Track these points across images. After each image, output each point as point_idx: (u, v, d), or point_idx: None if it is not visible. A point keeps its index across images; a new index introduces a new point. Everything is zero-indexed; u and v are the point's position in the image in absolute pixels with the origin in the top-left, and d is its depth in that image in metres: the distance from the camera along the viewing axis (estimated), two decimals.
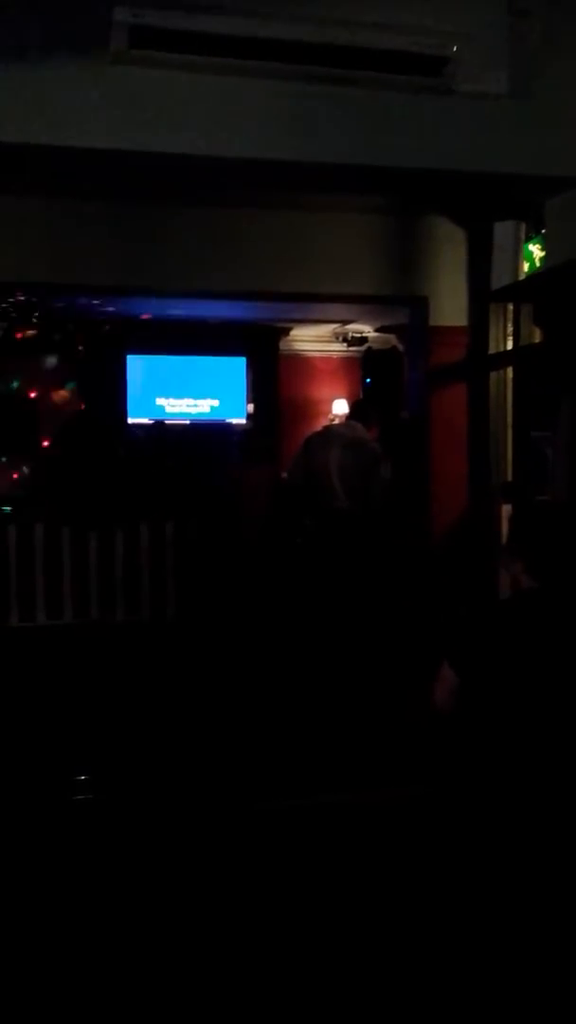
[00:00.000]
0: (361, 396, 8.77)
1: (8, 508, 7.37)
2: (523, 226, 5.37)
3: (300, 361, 9.24)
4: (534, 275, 5.29)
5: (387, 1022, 2.59)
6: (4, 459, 8.62)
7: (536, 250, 5.34)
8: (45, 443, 8.55)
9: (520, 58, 4.01)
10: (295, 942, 2.91)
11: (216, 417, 9.04)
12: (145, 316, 8.09)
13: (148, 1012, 2.63)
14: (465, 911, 2.90)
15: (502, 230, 5.47)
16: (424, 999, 2.64)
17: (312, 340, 9.19)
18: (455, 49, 3.77)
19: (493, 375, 5.81)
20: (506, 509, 5.67)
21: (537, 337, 5.42)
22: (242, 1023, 2.59)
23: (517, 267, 5.44)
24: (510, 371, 5.75)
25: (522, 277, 5.46)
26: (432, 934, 2.90)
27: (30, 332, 8.31)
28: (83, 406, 8.83)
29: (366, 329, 8.80)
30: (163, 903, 3.13)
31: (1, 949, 2.88)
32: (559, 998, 2.56)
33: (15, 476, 8.72)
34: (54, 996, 2.67)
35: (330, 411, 8.89)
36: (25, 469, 8.50)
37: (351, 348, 9.13)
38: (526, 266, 5.47)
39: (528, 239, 5.41)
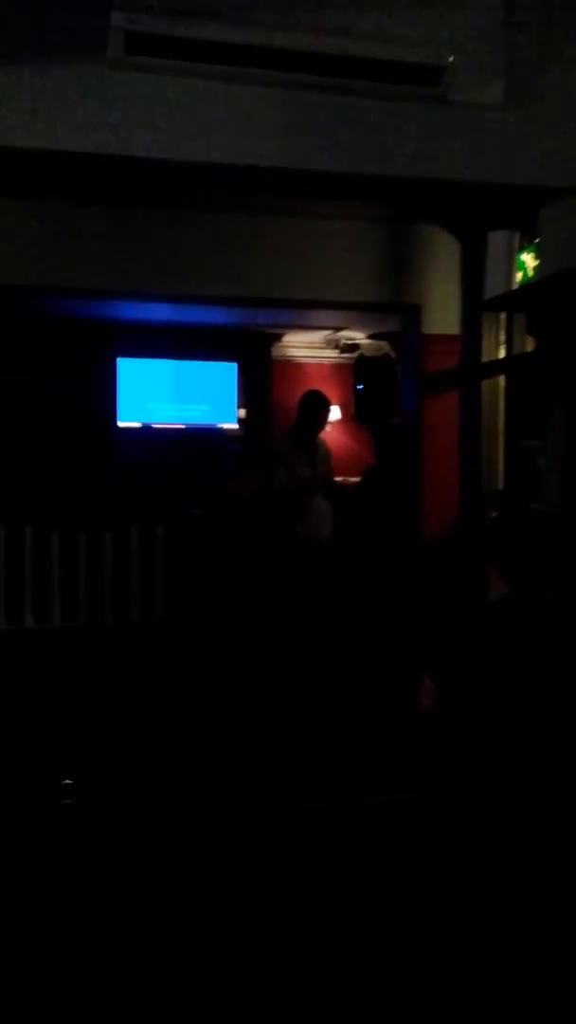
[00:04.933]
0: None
1: None
2: (517, 235, 5.39)
3: (292, 367, 9.25)
4: (527, 284, 5.31)
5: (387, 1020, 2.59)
6: None
7: (529, 259, 5.36)
8: (35, 446, 8.50)
9: (516, 68, 4.03)
10: (292, 946, 2.90)
11: (207, 422, 9.03)
12: (136, 320, 8.08)
13: (145, 1013, 2.62)
14: (456, 913, 2.90)
15: (495, 239, 5.48)
16: (421, 999, 2.64)
17: (304, 346, 9.19)
18: (451, 59, 3.78)
19: (486, 383, 5.82)
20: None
21: (530, 346, 5.43)
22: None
23: (510, 276, 5.45)
24: (502, 380, 5.77)
25: (515, 286, 5.48)
26: (428, 936, 2.90)
27: (21, 335, 8.28)
28: (73, 409, 8.79)
29: (358, 336, 8.81)
30: (160, 907, 3.12)
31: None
32: (553, 999, 2.56)
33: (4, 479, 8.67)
34: (51, 1000, 2.66)
35: None
36: (15, 472, 8.45)
37: (343, 354, 9.13)
38: (519, 275, 5.48)
39: (521, 248, 5.43)
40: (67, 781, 4.05)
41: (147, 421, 8.91)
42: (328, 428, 8.11)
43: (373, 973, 2.79)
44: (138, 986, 2.75)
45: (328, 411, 6.60)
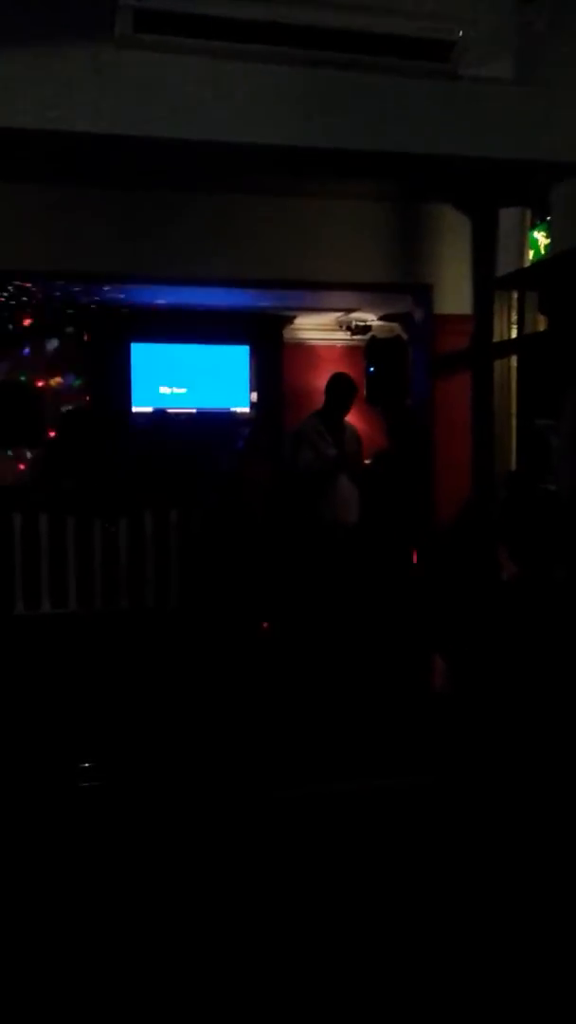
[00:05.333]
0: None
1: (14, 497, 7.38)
2: (528, 213, 5.35)
3: (304, 350, 9.23)
4: (539, 262, 5.27)
5: (391, 1004, 2.60)
6: (9, 452, 8.62)
7: (541, 237, 5.32)
8: (50, 432, 8.53)
9: (526, 43, 3.99)
10: (298, 929, 2.91)
11: (219, 406, 9.03)
12: (149, 304, 8.07)
13: (154, 994, 2.64)
14: (471, 892, 2.91)
15: (507, 217, 5.44)
16: (428, 981, 2.65)
17: (316, 328, 9.17)
18: (461, 34, 3.75)
19: (498, 364, 5.79)
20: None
21: (542, 325, 5.40)
22: (246, 1006, 2.60)
23: (522, 254, 5.41)
24: (515, 359, 5.74)
25: (527, 265, 5.44)
26: (437, 918, 2.91)
27: (33, 321, 8.29)
28: (88, 395, 8.82)
29: (370, 317, 8.78)
30: (168, 889, 3.14)
31: (10, 935, 2.89)
32: (564, 981, 2.57)
33: (20, 466, 8.71)
34: (61, 982, 2.68)
35: None
36: (30, 458, 8.49)
37: (355, 336, 9.11)
38: (531, 254, 5.45)
39: (533, 226, 5.39)
40: (84, 764, 4.08)
41: (160, 406, 8.91)
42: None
43: (386, 953, 2.80)
44: (152, 964, 2.77)
45: (355, 393, 6.63)
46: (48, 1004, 2.59)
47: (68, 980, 2.69)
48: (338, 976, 2.68)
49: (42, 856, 3.35)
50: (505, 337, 5.77)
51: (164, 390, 8.95)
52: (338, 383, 6.60)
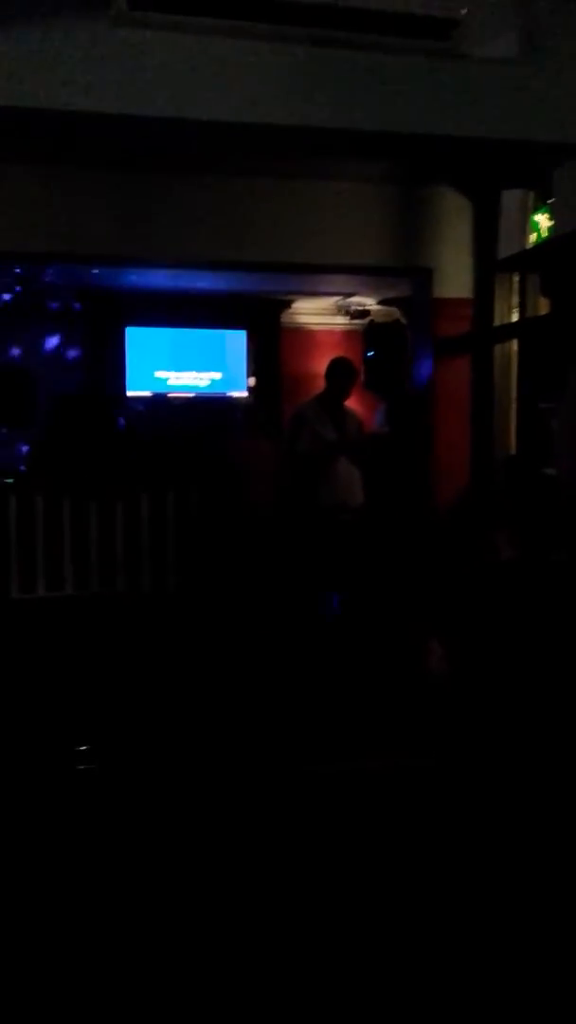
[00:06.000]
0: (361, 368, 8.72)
1: (10, 480, 7.34)
2: (530, 195, 5.29)
3: (302, 334, 9.17)
4: (541, 244, 5.23)
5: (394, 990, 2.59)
6: (4, 430, 8.56)
7: (543, 220, 5.27)
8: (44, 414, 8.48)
9: (530, 22, 3.94)
10: (295, 917, 2.90)
11: (217, 391, 8.97)
12: (145, 288, 8.01)
13: (160, 979, 2.62)
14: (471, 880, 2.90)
15: (508, 199, 5.39)
16: (426, 966, 2.64)
17: (314, 313, 9.11)
18: (464, 12, 3.71)
19: (498, 347, 5.75)
20: None
21: (544, 308, 5.36)
22: (250, 991, 2.58)
23: (524, 237, 5.36)
24: (515, 343, 5.70)
25: (529, 247, 5.39)
26: (434, 903, 2.89)
27: (29, 304, 8.23)
28: (82, 379, 8.76)
29: (368, 302, 8.72)
30: (165, 873, 3.13)
31: (8, 923, 2.87)
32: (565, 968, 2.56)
33: (15, 447, 8.66)
34: (61, 972, 2.67)
35: None
36: (25, 441, 8.45)
37: (354, 321, 9.05)
38: (533, 236, 5.40)
39: (535, 208, 5.34)
40: (81, 747, 4.07)
41: (156, 390, 8.86)
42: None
43: (382, 937, 2.79)
44: (157, 948, 2.76)
45: (356, 378, 6.60)
46: (53, 991, 2.57)
47: (71, 968, 2.67)
48: (339, 960, 2.67)
49: (39, 838, 3.34)
50: (506, 320, 5.73)
51: (160, 374, 8.89)
52: (338, 367, 6.57)
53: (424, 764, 3.53)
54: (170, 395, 8.87)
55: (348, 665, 4.93)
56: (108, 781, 3.82)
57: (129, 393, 8.77)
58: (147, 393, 8.84)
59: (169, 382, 8.89)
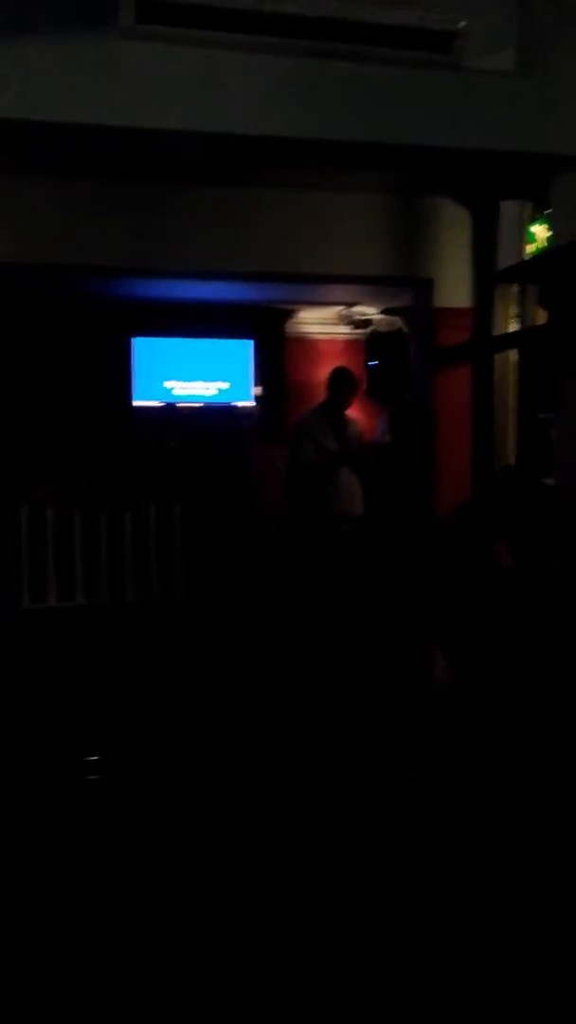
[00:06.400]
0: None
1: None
2: (528, 206, 5.35)
3: (305, 343, 9.22)
4: (539, 255, 5.28)
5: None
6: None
7: (541, 231, 5.33)
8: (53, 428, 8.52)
9: (529, 35, 4.00)
10: (292, 924, 2.93)
11: (223, 400, 9.02)
12: (151, 298, 8.07)
13: (166, 982, 2.66)
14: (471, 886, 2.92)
15: (507, 210, 5.45)
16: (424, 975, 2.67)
17: (317, 322, 9.16)
18: (463, 25, 3.77)
19: (498, 357, 5.80)
20: None
21: (542, 319, 5.41)
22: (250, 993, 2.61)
23: (522, 248, 5.42)
24: (515, 353, 5.74)
25: (527, 258, 5.45)
26: (430, 914, 2.92)
27: (36, 314, 8.29)
28: (89, 389, 8.81)
29: (371, 311, 8.78)
30: (171, 880, 3.16)
31: (22, 931, 2.91)
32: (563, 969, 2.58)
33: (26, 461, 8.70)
34: (69, 973, 2.70)
35: None
36: (35, 454, 8.49)
37: (356, 330, 9.10)
38: (530, 247, 5.45)
39: (532, 219, 5.39)
40: (92, 757, 4.09)
41: (162, 400, 8.91)
42: None
43: (379, 946, 2.82)
44: (161, 953, 2.79)
45: (356, 387, 6.65)
46: (60, 993, 2.60)
47: (78, 969, 2.70)
48: (340, 965, 2.70)
49: (49, 847, 3.37)
50: (505, 330, 5.78)
51: (166, 385, 8.94)
52: (339, 377, 6.62)
53: (422, 775, 3.55)
54: (175, 405, 8.92)
55: (351, 674, 4.95)
56: (117, 790, 3.84)
57: (135, 403, 8.83)
58: (153, 403, 8.89)
59: (175, 392, 8.94)
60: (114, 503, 7.33)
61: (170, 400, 8.92)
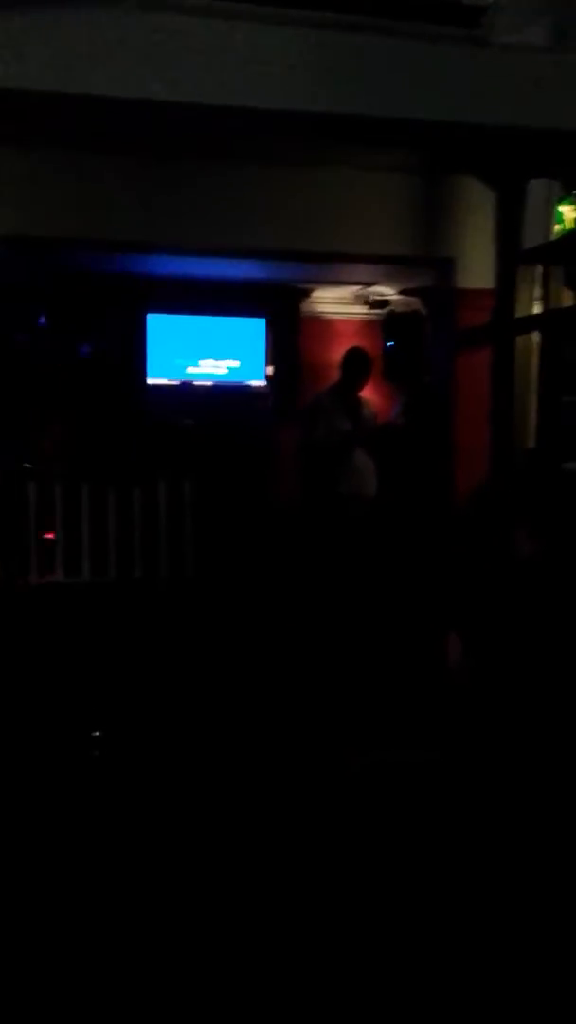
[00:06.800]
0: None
1: (29, 466, 7.38)
2: (555, 185, 5.24)
3: (321, 323, 9.14)
4: (566, 236, 5.18)
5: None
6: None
7: (568, 211, 5.23)
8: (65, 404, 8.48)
9: (560, 9, 3.90)
10: (300, 910, 2.90)
11: (235, 379, 8.96)
12: (166, 275, 8.00)
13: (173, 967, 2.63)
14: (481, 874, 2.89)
15: (533, 190, 5.33)
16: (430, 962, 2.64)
17: (333, 302, 9.07)
18: None
19: (520, 339, 5.70)
20: None
21: (567, 301, 5.32)
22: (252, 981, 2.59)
23: (548, 228, 5.31)
24: (537, 335, 5.65)
25: (553, 239, 5.35)
26: (438, 903, 2.89)
27: (51, 291, 8.23)
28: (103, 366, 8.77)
29: (389, 291, 8.68)
30: (174, 860, 3.14)
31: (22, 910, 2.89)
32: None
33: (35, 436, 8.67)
34: (72, 961, 2.68)
35: None
36: (45, 430, 8.46)
37: (373, 311, 9.01)
38: (558, 227, 5.35)
39: (560, 199, 5.29)
40: (95, 733, 4.09)
41: (176, 378, 8.85)
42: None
43: (384, 937, 2.79)
44: (165, 937, 2.77)
45: (370, 368, 6.58)
46: (63, 980, 2.58)
47: (82, 956, 2.68)
48: (343, 955, 2.67)
49: (52, 821, 3.36)
50: (528, 312, 5.68)
51: (180, 362, 8.89)
52: (353, 357, 6.56)
53: (436, 757, 3.53)
54: (188, 382, 8.87)
55: (363, 655, 4.93)
56: (121, 766, 3.84)
57: (150, 381, 8.77)
58: (166, 381, 8.83)
59: (187, 370, 8.88)
60: (124, 480, 7.30)
61: (184, 378, 8.86)
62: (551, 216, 5.29)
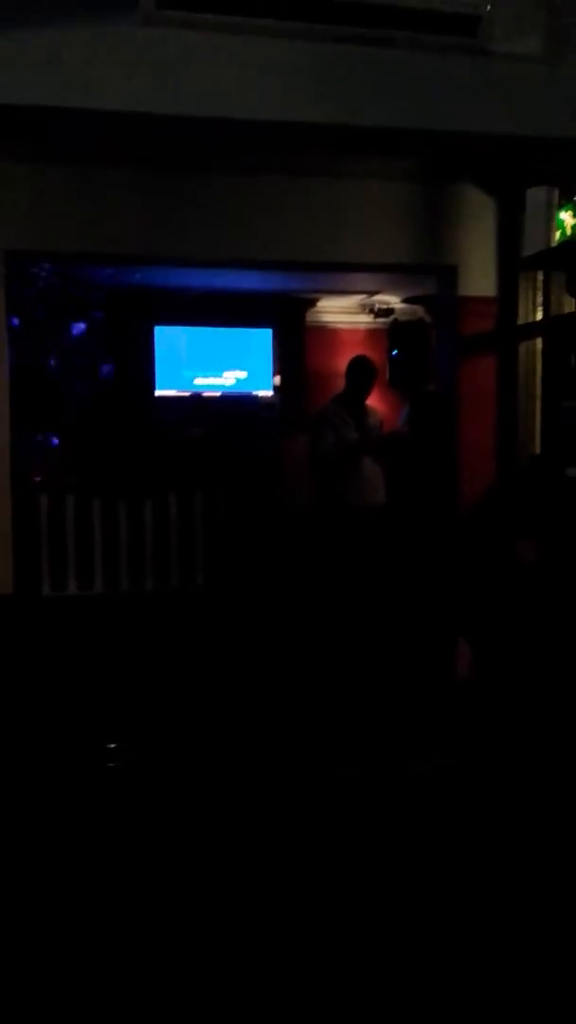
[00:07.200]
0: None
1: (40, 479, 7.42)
2: (555, 192, 5.27)
3: (326, 333, 9.18)
4: (566, 243, 5.21)
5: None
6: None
7: (568, 218, 5.25)
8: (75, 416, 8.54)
9: (554, 18, 3.93)
10: (304, 915, 2.92)
11: (243, 389, 9.01)
12: (172, 287, 8.06)
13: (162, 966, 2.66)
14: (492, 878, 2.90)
15: (533, 197, 5.37)
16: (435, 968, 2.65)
17: (339, 311, 9.12)
18: (488, 8, 3.70)
19: (523, 346, 5.74)
20: None
21: (568, 307, 5.34)
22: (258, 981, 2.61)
23: (549, 235, 5.34)
24: (540, 342, 5.68)
25: (553, 245, 5.37)
26: (444, 907, 2.90)
27: (58, 304, 8.29)
28: (111, 379, 8.83)
29: (393, 300, 8.72)
30: (186, 870, 3.16)
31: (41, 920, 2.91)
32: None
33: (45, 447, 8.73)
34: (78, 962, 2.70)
35: None
36: (54, 440, 8.52)
37: (378, 319, 9.06)
38: (558, 234, 5.37)
39: (560, 206, 5.32)
40: (110, 745, 4.10)
41: (184, 389, 8.91)
42: None
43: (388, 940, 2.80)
44: (173, 942, 2.78)
45: (375, 376, 6.61)
46: (69, 981, 2.61)
47: (88, 957, 2.71)
48: (345, 963, 2.68)
49: (68, 834, 3.38)
50: (531, 319, 5.71)
51: (188, 373, 8.94)
52: (358, 366, 6.57)
53: (446, 765, 3.53)
54: (196, 393, 8.92)
55: (373, 665, 4.94)
56: (136, 778, 3.85)
57: (158, 392, 8.83)
58: (175, 392, 8.88)
59: (195, 381, 8.93)
60: (134, 492, 7.33)
61: (192, 390, 8.91)
62: (551, 223, 5.32)
